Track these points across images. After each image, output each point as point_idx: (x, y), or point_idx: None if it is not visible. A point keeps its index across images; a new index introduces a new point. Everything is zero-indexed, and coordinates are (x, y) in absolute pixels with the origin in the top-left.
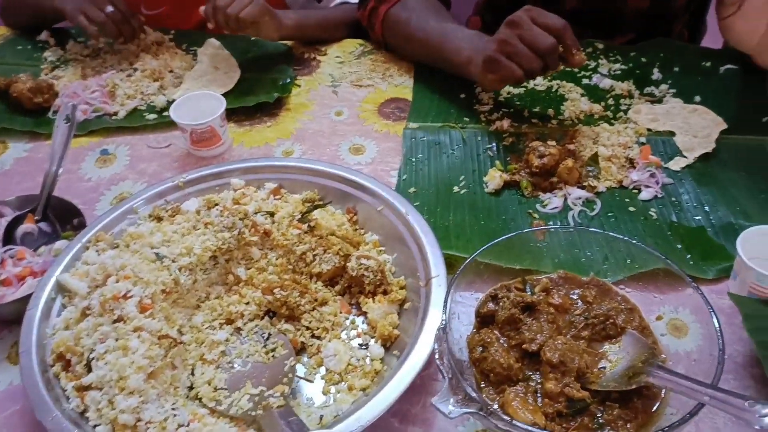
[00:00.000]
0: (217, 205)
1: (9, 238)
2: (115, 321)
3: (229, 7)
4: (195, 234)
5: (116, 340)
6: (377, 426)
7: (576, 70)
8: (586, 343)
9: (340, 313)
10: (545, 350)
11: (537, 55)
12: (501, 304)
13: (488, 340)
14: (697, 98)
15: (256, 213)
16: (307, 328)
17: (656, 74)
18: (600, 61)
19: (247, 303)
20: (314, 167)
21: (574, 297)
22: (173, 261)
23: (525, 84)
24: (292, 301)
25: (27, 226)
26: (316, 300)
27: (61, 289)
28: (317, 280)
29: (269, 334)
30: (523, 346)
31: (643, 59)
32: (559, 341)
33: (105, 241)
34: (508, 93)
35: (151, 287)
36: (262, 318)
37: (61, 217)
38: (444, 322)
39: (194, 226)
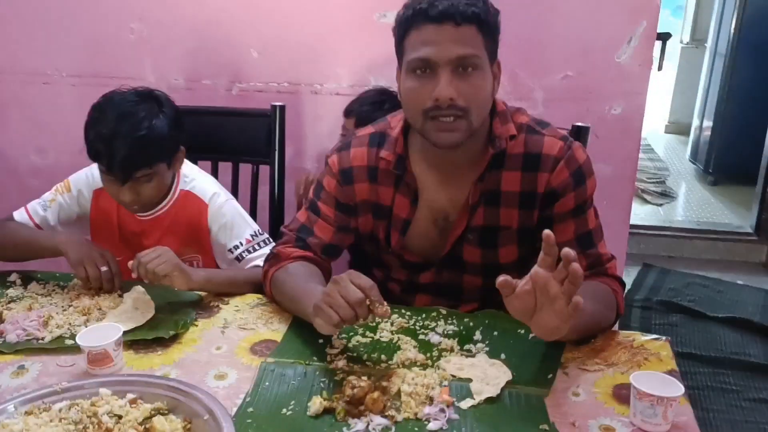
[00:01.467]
0: (76, 405)
1: None
2: None
3: (148, 263)
4: (50, 426)
5: None
6: None
7: (417, 327)
8: None
9: None
10: None
11: (350, 306)
12: None
13: None
14: (503, 356)
15: (105, 414)
16: None
17: (477, 335)
18: (439, 322)
19: None
20: (168, 384)
21: None
22: None
23: (372, 335)
24: None
25: None
26: None
27: None
28: None
29: None
30: None
31: (471, 323)
32: None
33: None
34: (357, 341)
35: None
36: None
37: None
38: None
39: (51, 420)
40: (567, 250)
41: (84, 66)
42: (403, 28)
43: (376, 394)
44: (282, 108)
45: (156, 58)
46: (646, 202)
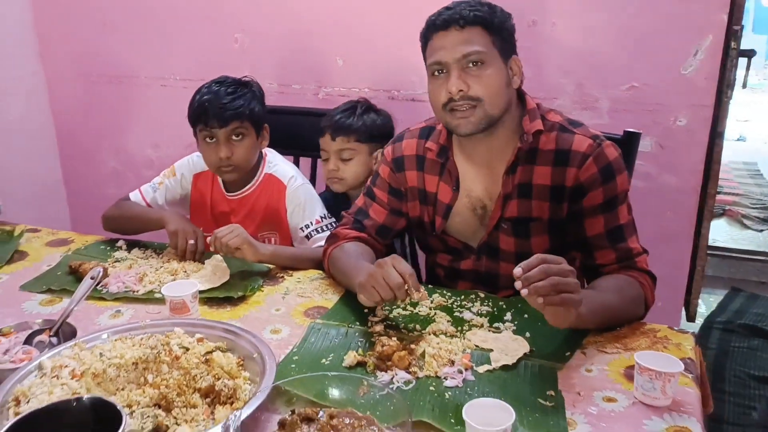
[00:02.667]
0: (154, 336)
1: (29, 341)
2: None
3: (223, 238)
4: (131, 349)
5: (50, 388)
6: None
7: (454, 306)
8: None
9: (203, 414)
10: None
11: (389, 287)
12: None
13: None
14: (527, 334)
15: (176, 345)
16: (174, 417)
17: (508, 316)
18: (475, 303)
19: (144, 397)
20: (228, 328)
21: (347, 422)
22: (108, 359)
23: (412, 309)
24: (171, 399)
25: (42, 337)
26: (188, 403)
27: (39, 366)
28: (196, 392)
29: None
30: None
31: (504, 306)
32: None
33: (79, 347)
34: (398, 313)
35: (84, 366)
36: (152, 407)
37: (66, 336)
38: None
39: (134, 345)
40: (514, 270)
41: (194, 71)
42: (423, 40)
43: (402, 353)
44: None
45: (254, 64)
46: (746, 227)
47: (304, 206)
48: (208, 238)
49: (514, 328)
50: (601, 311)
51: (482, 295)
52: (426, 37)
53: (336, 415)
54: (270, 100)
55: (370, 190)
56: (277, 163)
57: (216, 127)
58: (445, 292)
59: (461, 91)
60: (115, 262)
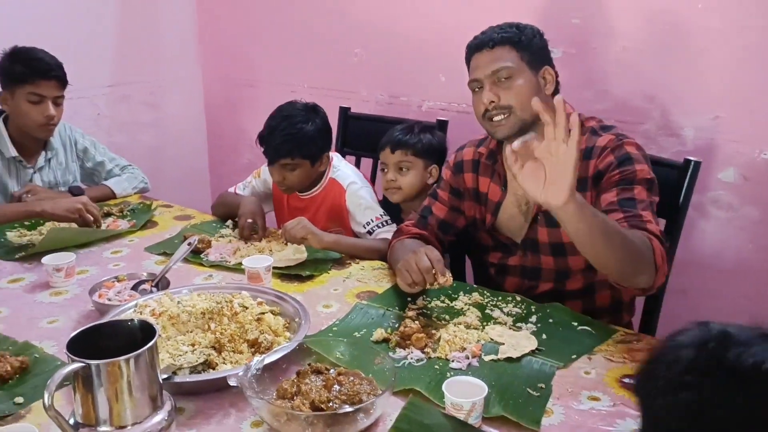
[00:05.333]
0: (223, 294)
1: (136, 287)
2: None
3: (290, 229)
4: (202, 300)
5: None
6: None
7: (487, 304)
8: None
9: (245, 359)
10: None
11: (419, 271)
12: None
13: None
14: (543, 336)
15: (237, 303)
16: (223, 358)
17: (533, 318)
18: (509, 305)
19: (204, 339)
20: (280, 295)
21: (350, 379)
22: (183, 306)
23: (449, 302)
24: (223, 343)
25: (146, 286)
26: (236, 349)
27: (135, 305)
28: (245, 342)
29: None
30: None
31: (534, 309)
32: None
33: (167, 296)
34: (435, 305)
35: (163, 309)
36: (209, 347)
37: (163, 287)
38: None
39: (206, 299)
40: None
41: (318, 80)
42: (466, 61)
43: (421, 335)
44: (444, 122)
45: (369, 77)
46: None
47: (365, 207)
48: (279, 231)
49: (534, 329)
50: (602, 219)
51: (519, 298)
52: (467, 59)
53: (343, 374)
54: (379, 109)
55: (435, 192)
56: (340, 168)
57: (272, 158)
58: (485, 292)
59: (492, 102)
60: (219, 237)
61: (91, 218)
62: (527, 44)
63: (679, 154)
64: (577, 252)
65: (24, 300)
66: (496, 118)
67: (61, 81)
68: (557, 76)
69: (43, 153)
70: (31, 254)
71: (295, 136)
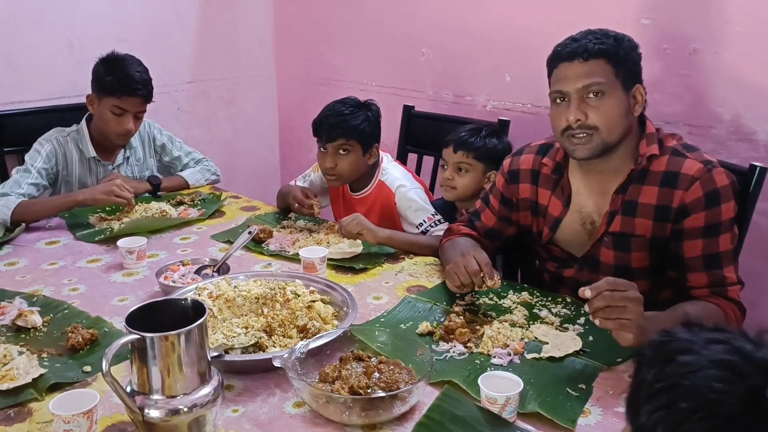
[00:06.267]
0: (277, 281)
1: (199, 272)
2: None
3: (346, 225)
4: (257, 286)
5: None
6: None
7: (536, 303)
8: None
9: (293, 344)
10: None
11: (468, 274)
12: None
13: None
14: (590, 338)
15: (289, 291)
16: (273, 342)
17: (581, 320)
18: (558, 306)
19: (257, 322)
20: (332, 285)
21: (390, 367)
22: (239, 291)
23: (497, 299)
24: (274, 327)
25: (207, 271)
26: (286, 334)
27: (196, 288)
28: (295, 328)
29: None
30: (343, 372)
31: (583, 312)
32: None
33: (226, 281)
34: (483, 301)
35: (220, 292)
36: (261, 330)
37: (223, 272)
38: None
39: (261, 285)
40: (580, 290)
41: (386, 78)
42: (549, 67)
43: (464, 329)
44: (506, 122)
45: (434, 76)
46: None
47: (416, 208)
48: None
49: (581, 331)
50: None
51: (569, 299)
52: (551, 65)
53: (384, 362)
54: (444, 108)
55: (486, 197)
56: (389, 171)
57: (326, 140)
58: (535, 291)
59: (579, 120)
60: (281, 228)
61: (128, 194)
62: (624, 59)
63: (750, 159)
64: (646, 277)
65: (100, 279)
66: (578, 137)
67: (146, 98)
68: (646, 94)
69: (122, 151)
70: (110, 237)
71: (348, 119)
